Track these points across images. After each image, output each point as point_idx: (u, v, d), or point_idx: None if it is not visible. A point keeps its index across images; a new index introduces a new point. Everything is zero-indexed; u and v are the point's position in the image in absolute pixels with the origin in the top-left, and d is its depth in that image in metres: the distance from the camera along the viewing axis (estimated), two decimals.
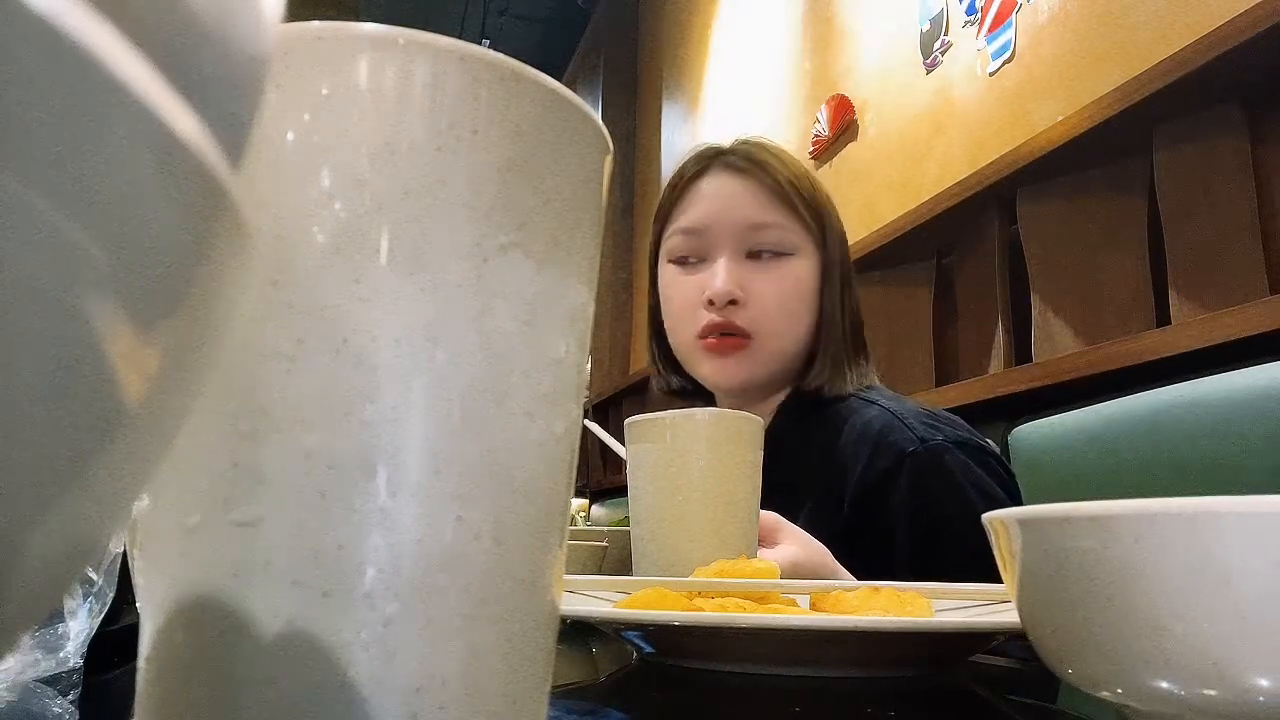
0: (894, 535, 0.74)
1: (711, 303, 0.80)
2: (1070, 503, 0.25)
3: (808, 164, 2.45)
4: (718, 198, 0.82)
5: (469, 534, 0.16)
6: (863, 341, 0.90)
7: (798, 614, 0.42)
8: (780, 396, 0.87)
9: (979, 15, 1.78)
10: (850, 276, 0.88)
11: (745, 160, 0.83)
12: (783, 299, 0.81)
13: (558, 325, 0.18)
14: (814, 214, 0.83)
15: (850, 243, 2.00)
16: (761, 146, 0.85)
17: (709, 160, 0.85)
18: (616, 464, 3.30)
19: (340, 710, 0.15)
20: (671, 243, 0.85)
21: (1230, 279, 1.19)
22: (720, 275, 0.80)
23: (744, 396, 0.86)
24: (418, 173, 0.16)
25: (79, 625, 0.34)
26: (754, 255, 0.81)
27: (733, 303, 0.80)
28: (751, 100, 2.88)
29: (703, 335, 0.81)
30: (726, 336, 0.81)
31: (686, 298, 0.83)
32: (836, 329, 0.84)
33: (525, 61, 0.17)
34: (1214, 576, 0.22)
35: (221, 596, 0.16)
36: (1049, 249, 1.48)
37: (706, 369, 0.84)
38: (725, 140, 0.87)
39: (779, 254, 0.81)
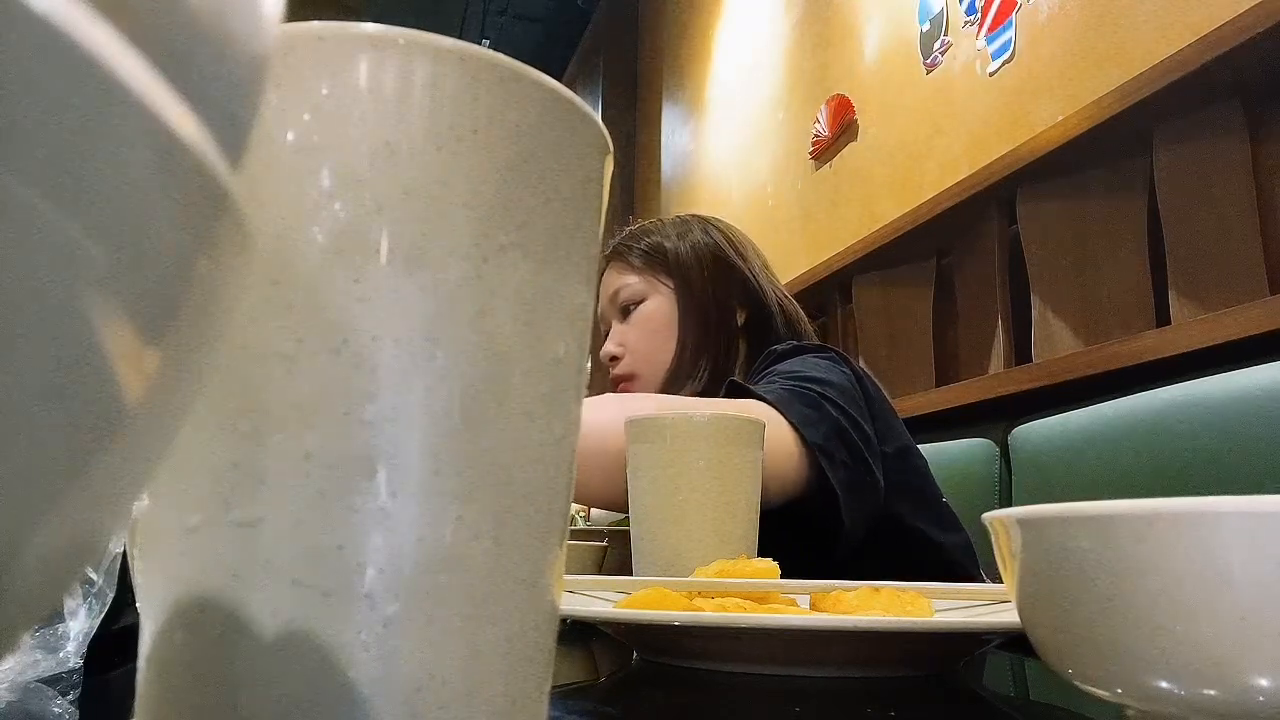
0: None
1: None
2: (1070, 503, 0.25)
3: (807, 164, 2.45)
4: (602, 286, 1.09)
5: (469, 534, 0.16)
6: (770, 326, 1.03)
7: (798, 614, 0.42)
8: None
9: (979, 15, 1.78)
10: (730, 290, 1.03)
11: (612, 252, 1.09)
12: (643, 336, 1.04)
13: (558, 325, 0.18)
14: (649, 258, 1.05)
15: (850, 243, 1.99)
16: (630, 235, 1.08)
17: (602, 263, 1.11)
18: None
19: (340, 710, 0.15)
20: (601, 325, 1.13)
21: (1230, 279, 1.19)
22: (606, 342, 1.08)
23: None
24: (418, 173, 0.16)
25: (79, 625, 0.34)
26: (626, 312, 1.06)
27: (615, 359, 1.05)
28: (751, 100, 2.88)
29: (612, 386, 1.08)
30: (622, 383, 1.06)
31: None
32: (708, 335, 1.02)
33: (525, 61, 0.17)
34: (1214, 576, 0.22)
35: (221, 596, 0.16)
36: (1049, 249, 1.48)
37: None
38: None
39: (636, 304, 1.05)
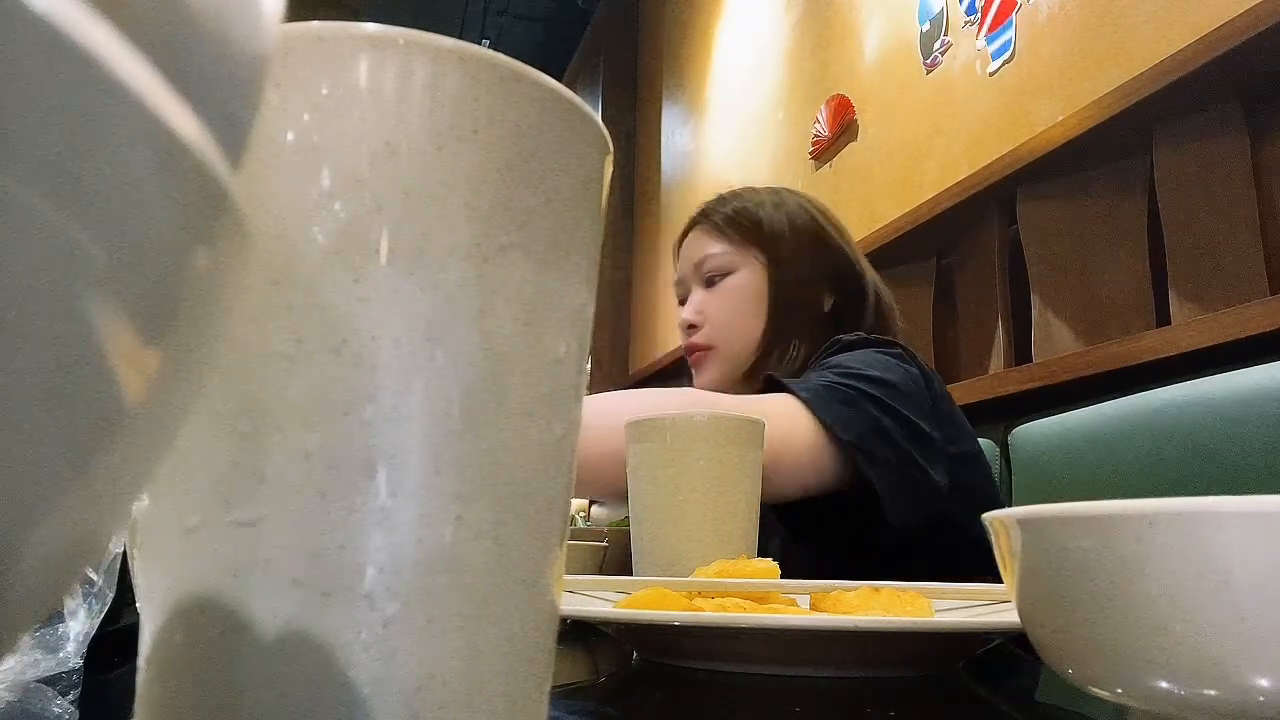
0: None
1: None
2: (1070, 503, 0.25)
3: (807, 164, 2.45)
4: (685, 252, 1.05)
5: (469, 534, 0.16)
6: (861, 314, 0.99)
7: (798, 614, 0.42)
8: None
9: (979, 15, 1.78)
10: (824, 271, 0.99)
11: (699, 215, 1.04)
12: (728, 310, 0.99)
13: (558, 325, 0.18)
14: (749, 233, 0.99)
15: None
16: (720, 199, 1.04)
17: (687, 226, 1.07)
18: None
19: (340, 710, 0.15)
20: (674, 291, 1.09)
21: (1230, 279, 1.19)
22: (684, 308, 1.03)
23: (733, 390, 0.97)
24: (418, 173, 0.16)
25: (79, 625, 0.34)
26: (710, 282, 1.00)
27: (693, 326, 1.01)
28: (751, 100, 2.88)
29: (686, 354, 1.04)
30: (696, 352, 1.01)
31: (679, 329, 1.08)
32: (797, 317, 0.97)
33: (525, 61, 0.17)
34: (1214, 576, 0.22)
35: (221, 596, 0.16)
36: (1049, 249, 1.48)
37: (694, 377, 1.05)
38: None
39: (724, 275, 1.00)
